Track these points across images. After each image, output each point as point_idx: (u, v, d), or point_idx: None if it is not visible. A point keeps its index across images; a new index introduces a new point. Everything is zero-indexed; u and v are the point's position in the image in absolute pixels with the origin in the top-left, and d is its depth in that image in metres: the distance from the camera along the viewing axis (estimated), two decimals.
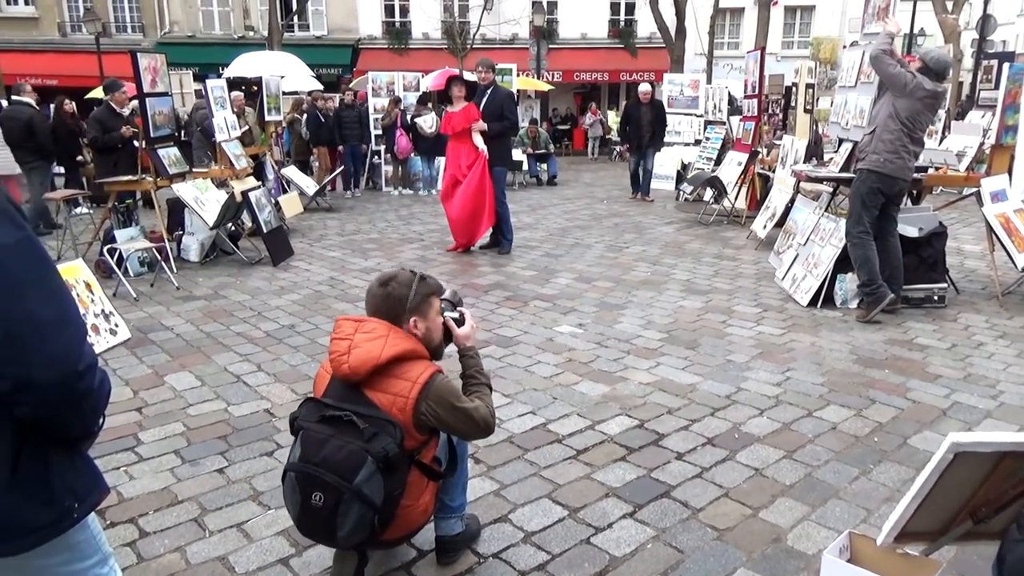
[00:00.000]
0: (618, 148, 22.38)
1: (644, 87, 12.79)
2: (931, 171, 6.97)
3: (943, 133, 10.91)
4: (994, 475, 1.89)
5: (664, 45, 22.04)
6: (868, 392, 4.29)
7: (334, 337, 2.34)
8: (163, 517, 3.03)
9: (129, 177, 7.68)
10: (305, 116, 12.88)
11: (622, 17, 27.11)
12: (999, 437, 1.95)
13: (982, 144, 7.49)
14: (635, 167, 12.87)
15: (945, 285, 6.06)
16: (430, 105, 14.00)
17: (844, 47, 12.98)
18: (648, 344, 5.17)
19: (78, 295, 3.58)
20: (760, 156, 10.13)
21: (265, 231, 7.77)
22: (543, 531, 2.92)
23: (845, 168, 6.64)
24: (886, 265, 5.65)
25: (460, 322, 2.58)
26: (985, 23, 21.32)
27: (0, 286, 1.27)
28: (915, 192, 7.09)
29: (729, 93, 12.18)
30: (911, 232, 5.89)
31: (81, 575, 1.55)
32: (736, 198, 10.42)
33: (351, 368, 2.26)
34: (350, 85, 16.02)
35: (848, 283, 5.91)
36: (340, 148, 13.25)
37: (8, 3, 24.64)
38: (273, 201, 8.56)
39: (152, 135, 7.26)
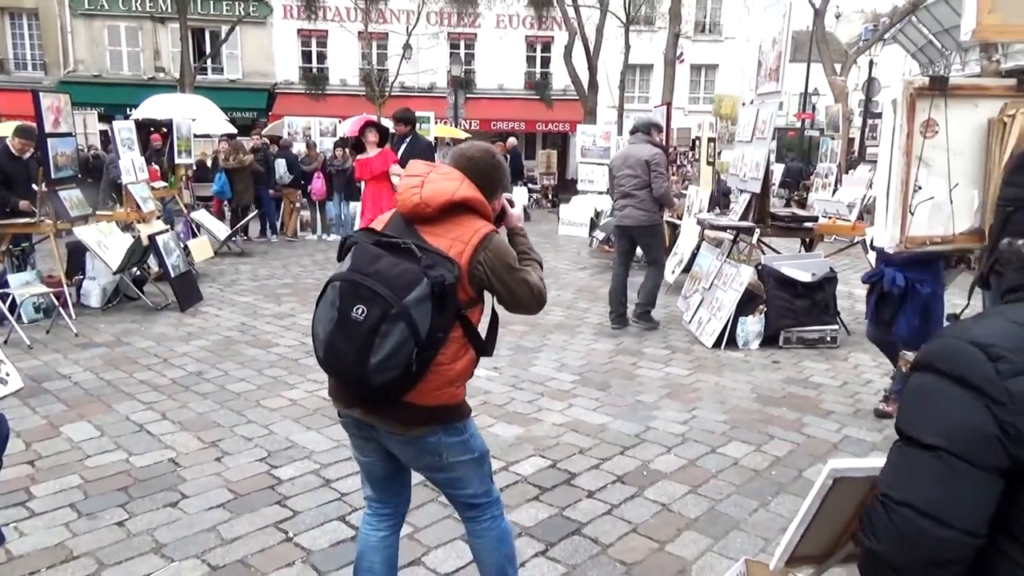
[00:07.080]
0: (535, 195, 22.81)
1: None
2: (822, 220, 7.47)
3: (835, 185, 11.71)
4: (869, 498, 2.05)
5: (578, 97, 22.84)
6: (767, 428, 4.52)
7: (404, 175, 2.28)
8: (56, 574, 2.89)
9: (26, 220, 7.33)
10: (278, 160, 12.78)
11: (538, 70, 27.98)
12: (872, 463, 2.11)
13: (865, 196, 8.10)
14: None
15: (836, 327, 6.47)
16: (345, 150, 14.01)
17: (743, 104, 13.82)
18: (561, 386, 5.28)
19: None
20: None
21: (173, 276, 7.56)
22: (456, 572, 2.94)
23: (744, 217, 7.04)
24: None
25: (512, 204, 2.55)
26: (870, 85, 23.20)
27: None
28: (808, 240, 7.58)
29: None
30: (805, 277, 6.28)
31: None
32: None
33: (423, 199, 2.15)
34: (263, 131, 15.84)
35: (749, 325, 6.23)
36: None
37: None
38: (182, 245, 8.34)
39: (53, 176, 6.99)
